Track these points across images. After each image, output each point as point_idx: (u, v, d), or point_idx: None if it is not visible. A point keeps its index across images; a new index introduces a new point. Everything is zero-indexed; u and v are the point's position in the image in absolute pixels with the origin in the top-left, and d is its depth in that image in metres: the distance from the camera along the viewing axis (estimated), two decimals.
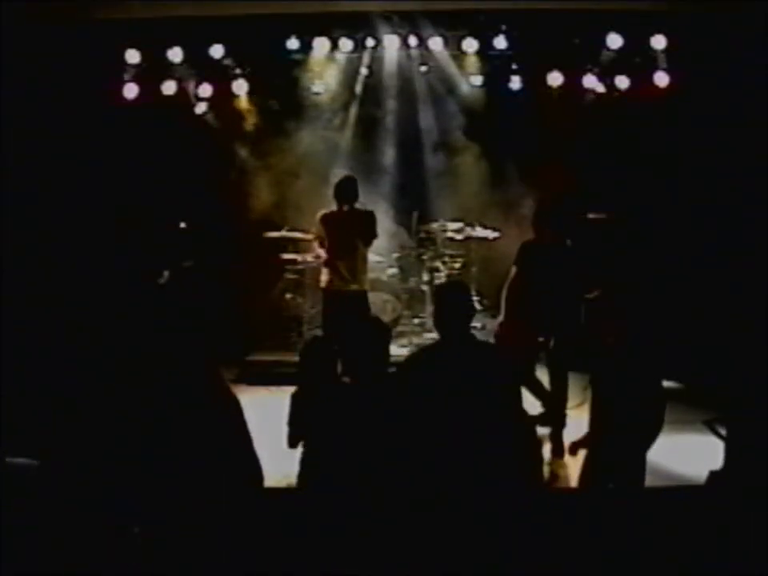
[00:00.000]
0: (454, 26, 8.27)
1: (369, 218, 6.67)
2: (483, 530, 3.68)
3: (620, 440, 4.04)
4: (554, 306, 5.59)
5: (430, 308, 8.21)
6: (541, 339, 5.64)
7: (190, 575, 3.36)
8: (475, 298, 8.52)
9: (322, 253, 6.78)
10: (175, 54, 8.28)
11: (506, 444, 3.95)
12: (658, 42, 8.05)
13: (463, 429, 3.78)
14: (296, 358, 4.30)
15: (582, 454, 4.31)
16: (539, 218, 5.78)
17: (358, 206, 6.68)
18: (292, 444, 3.89)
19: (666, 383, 6.99)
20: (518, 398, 4.12)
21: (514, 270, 5.81)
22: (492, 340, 5.78)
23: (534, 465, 3.98)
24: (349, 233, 6.62)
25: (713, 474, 3.69)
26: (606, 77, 8.48)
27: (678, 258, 7.60)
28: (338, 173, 7.67)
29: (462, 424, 3.78)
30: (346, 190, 6.60)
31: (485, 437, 3.82)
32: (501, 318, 5.83)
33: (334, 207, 6.68)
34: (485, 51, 8.48)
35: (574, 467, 4.63)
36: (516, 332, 5.68)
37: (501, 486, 3.95)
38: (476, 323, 7.48)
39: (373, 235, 6.67)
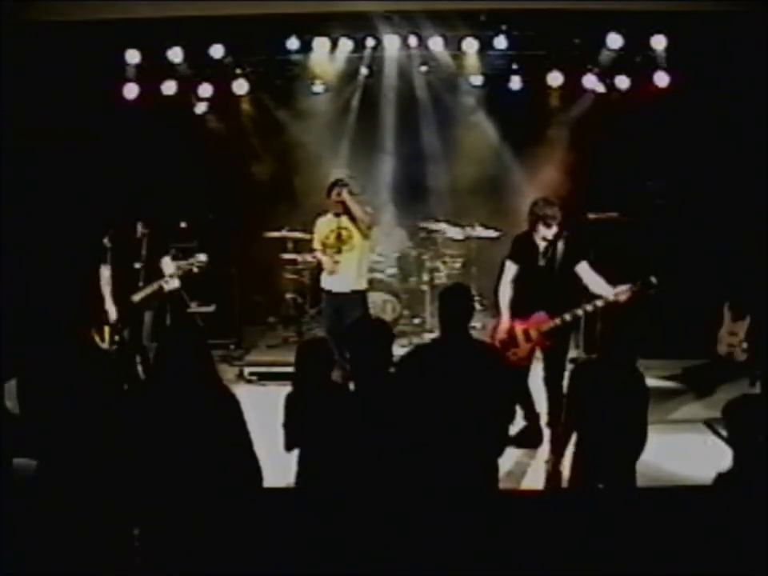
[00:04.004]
0: (454, 26, 8.25)
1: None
2: (477, 529, 3.68)
3: (605, 441, 4.03)
4: (556, 299, 5.56)
5: (430, 308, 8.21)
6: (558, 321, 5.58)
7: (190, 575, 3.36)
8: (475, 298, 8.54)
9: (320, 255, 6.77)
10: (175, 54, 8.29)
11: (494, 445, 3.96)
12: (658, 42, 8.04)
13: (454, 428, 3.77)
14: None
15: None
16: (536, 209, 5.69)
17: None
18: (288, 447, 3.88)
19: (666, 383, 7.09)
20: (511, 401, 4.12)
21: (509, 264, 5.78)
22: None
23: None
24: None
25: (720, 476, 3.67)
26: (606, 77, 8.48)
27: (677, 257, 7.59)
28: (338, 173, 7.68)
29: (453, 422, 3.78)
30: (337, 187, 6.62)
31: (476, 437, 3.82)
32: (499, 319, 5.78)
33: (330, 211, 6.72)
34: (485, 51, 8.48)
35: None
36: (511, 337, 5.65)
37: (491, 485, 3.96)
38: (476, 323, 7.50)
39: (371, 220, 6.70)
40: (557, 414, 5.63)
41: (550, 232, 5.55)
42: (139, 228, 6.27)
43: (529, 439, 5.70)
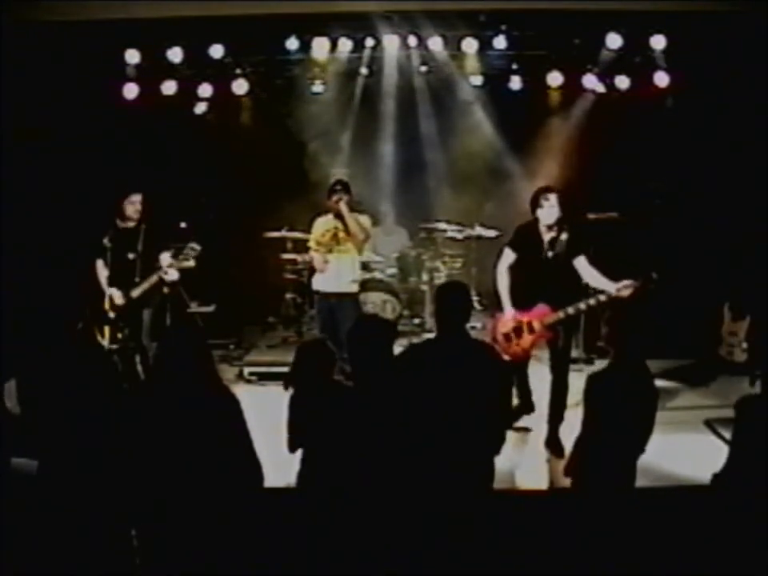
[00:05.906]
0: (453, 26, 8.26)
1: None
2: (477, 529, 3.68)
3: (610, 440, 4.02)
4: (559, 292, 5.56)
5: (430, 308, 8.21)
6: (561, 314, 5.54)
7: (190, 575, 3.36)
8: (475, 298, 8.54)
9: (316, 256, 6.76)
10: (175, 54, 8.29)
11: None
12: (658, 42, 8.05)
13: (451, 426, 3.78)
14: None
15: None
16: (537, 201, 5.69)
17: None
18: (292, 448, 3.88)
19: (666, 383, 7.09)
20: (508, 400, 4.12)
21: (508, 251, 5.76)
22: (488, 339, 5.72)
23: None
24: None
25: (716, 477, 3.67)
26: (606, 77, 8.48)
27: (677, 257, 7.59)
28: (337, 173, 7.67)
29: (449, 420, 3.78)
30: (338, 194, 6.60)
31: (471, 435, 3.82)
32: (503, 311, 5.75)
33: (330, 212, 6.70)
34: (485, 51, 8.48)
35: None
36: (514, 329, 5.63)
37: (488, 485, 3.96)
38: (476, 323, 7.50)
39: (366, 235, 6.69)
40: (559, 412, 5.64)
41: (551, 212, 5.53)
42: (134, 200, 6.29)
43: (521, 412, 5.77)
